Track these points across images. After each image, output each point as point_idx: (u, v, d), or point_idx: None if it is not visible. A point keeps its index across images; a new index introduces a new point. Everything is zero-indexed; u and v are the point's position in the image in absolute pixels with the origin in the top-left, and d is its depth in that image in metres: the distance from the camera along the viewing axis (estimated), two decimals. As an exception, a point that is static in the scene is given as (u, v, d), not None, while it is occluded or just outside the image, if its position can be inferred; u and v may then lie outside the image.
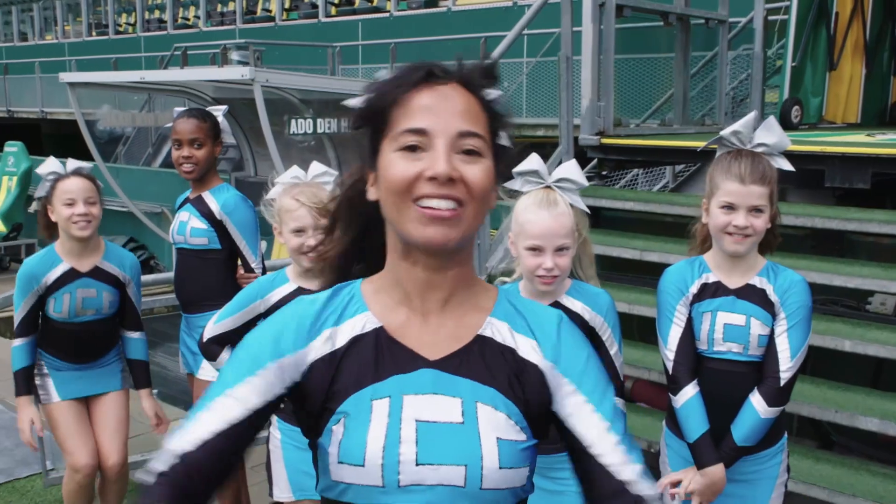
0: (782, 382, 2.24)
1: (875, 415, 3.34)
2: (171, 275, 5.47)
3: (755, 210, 2.22)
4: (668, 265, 4.25)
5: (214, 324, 2.73)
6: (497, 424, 1.17)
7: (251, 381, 1.19)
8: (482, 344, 1.23)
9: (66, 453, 3.36)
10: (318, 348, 1.21)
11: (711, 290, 2.35)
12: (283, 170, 3.10)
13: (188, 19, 18.31)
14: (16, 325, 3.25)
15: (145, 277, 4.63)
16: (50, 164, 3.22)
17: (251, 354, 1.21)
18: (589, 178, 5.56)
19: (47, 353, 3.32)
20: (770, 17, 6.51)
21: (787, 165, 2.30)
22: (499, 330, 1.24)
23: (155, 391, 6.50)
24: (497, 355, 1.22)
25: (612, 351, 2.28)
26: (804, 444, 4.01)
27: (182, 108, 3.48)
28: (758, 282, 2.31)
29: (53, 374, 3.31)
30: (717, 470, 2.27)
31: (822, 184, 4.31)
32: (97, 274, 3.22)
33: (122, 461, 3.36)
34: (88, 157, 8.91)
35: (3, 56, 22.46)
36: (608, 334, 2.28)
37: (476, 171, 1.15)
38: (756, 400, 2.26)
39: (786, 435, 2.43)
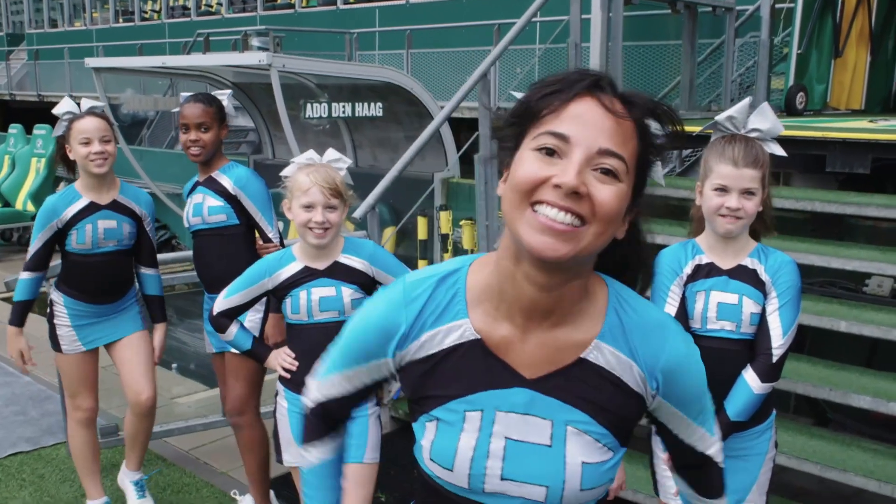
0: (774, 359, 2.26)
1: (868, 393, 3.34)
2: (191, 253, 5.53)
3: (747, 192, 2.23)
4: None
5: (224, 298, 2.79)
6: (584, 448, 1.16)
7: (357, 368, 1.31)
8: (583, 368, 1.17)
9: (71, 396, 3.50)
10: (414, 351, 1.23)
11: (705, 271, 2.36)
12: (298, 153, 3.13)
13: (211, 6, 18.30)
14: (28, 258, 3.33)
15: (166, 255, 4.69)
16: (65, 105, 3.32)
17: (354, 345, 1.30)
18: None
19: (69, 296, 3.38)
20: (777, 6, 6.44)
21: (779, 150, 2.31)
22: (603, 354, 1.18)
23: (174, 365, 6.63)
24: (597, 379, 1.17)
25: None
26: (800, 421, 4.01)
27: (188, 94, 3.52)
28: (749, 263, 2.33)
29: (76, 323, 3.39)
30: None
31: (824, 169, 4.29)
32: (116, 207, 3.35)
33: (152, 395, 3.48)
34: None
35: (34, 42, 22.59)
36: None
37: (607, 193, 1.06)
38: (749, 376, 2.28)
39: (774, 412, 2.45)
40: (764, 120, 2.28)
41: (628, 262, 1.23)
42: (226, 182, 3.35)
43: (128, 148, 7.24)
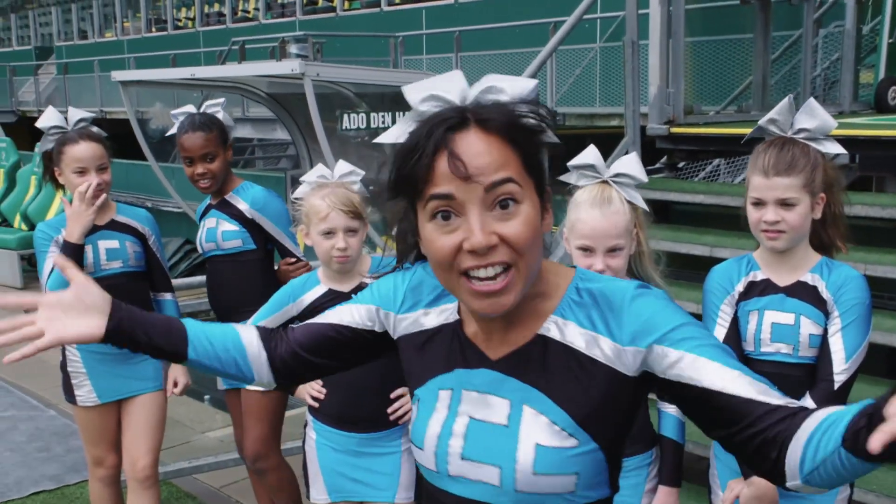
0: (836, 386, 2.19)
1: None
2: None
3: (784, 204, 2.19)
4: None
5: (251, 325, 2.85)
6: (539, 430, 1.23)
7: (366, 306, 1.46)
8: (543, 345, 1.26)
9: (90, 451, 3.47)
10: (409, 324, 1.41)
11: (759, 289, 2.33)
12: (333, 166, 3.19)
13: (248, 12, 18.77)
14: (45, 287, 3.19)
15: (199, 278, 4.80)
16: (50, 118, 3.22)
17: (375, 292, 1.46)
18: (660, 171, 5.53)
19: None
20: (863, -9, 6.34)
21: (836, 149, 2.25)
22: (562, 328, 1.26)
23: (207, 397, 6.74)
24: (558, 356, 1.25)
25: None
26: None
27: (178, 112, 3.49)
28: (809, 278, 2.28)
29: (90, 369, 3.32)
30: (764, 480, 2.23)
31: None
32: (115, 226, 3.31)
33: (149, 464, 3.38)
34: (144, 158, 9.23)
35: (63, 55, 23.42)
36: None
37: (516, 227, 1.16)
38: (808, 405, 2.23)
39: None
40: (811, 118, 2.23)
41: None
42: (241, 205, 3.41)
43: (157, 165, 7.43)
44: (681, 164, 5.83)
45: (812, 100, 2.27)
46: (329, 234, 2.66)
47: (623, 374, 1.22)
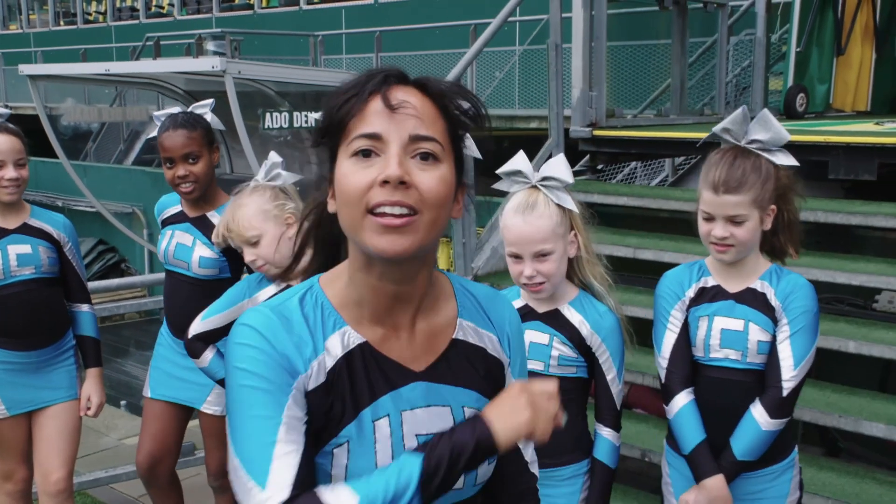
0: (785, 392, 2.21)
1: (881, 420, 3.34)
2: (142, 278, 5.47)
3: (732, 220, 2.20)
4: (663, 263, 4.26)
5: (201, 321, 2.80)
6: None
7: (292, 399, 1.18)
8: (458, 348, 1.33)
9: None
10: (314, 374, 1.22)
11: (710, 295, 2.33)
12: (257, 166, 3.09)
13: (162, 7, 18.29)
14: None
15: (113, 281, 4.62)
16: None
17: (271, 380, 1.18)
18: (582, 173, 5.57)
19: None
20: (773, 0, 6.51)
21: (789, 160, 2.26)
22: (467, 330, 1.35)
23: (123, 402, 6.54)
24: (470, 357, 1.34)
25: (609, 377, 2.27)
26: (809, 451, 4.01)
27: (161, 113, 3.23)
28: (759, 286, 2.29)
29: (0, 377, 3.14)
30: (716, 482, 2.22)
31: (827, 176, 4.32)
32: (27, 230, 3.12)
33: (64, 477, 3.20)
34: (53, 155, 8.88)
35: (-35, 48, 22.42)
36: (606, 357, 2.26)
37: (429, 178, 1.18)
38: (757, 411, 2.23)
39: (796, 449, 2.38)
40: (765, 129, 2.24)
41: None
42: None
43: (69, 163, 7.14)
44: (599, 167, 5.88)
45: (766, 111, 2.27)
46: (250, 245, 2.69)
47: (504, 367, 1.39)
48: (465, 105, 1.25)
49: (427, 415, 1.27)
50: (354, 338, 1.25)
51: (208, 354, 2.79)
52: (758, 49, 6.28)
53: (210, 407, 3.26)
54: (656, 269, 4.60)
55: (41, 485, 3.23)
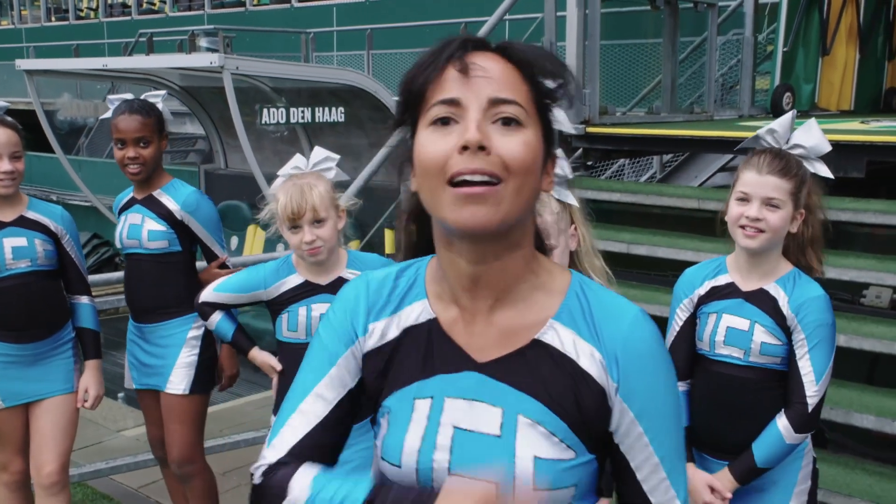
0: (810, 409, 2.22)
1: (870, 412, 3.38)
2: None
3: (770, 203, 2.19)
4: (656, 258, 4.28)
5: (214, 290, 2.84)
6: (537, 441, 1.13)
7: (330, 374, 1.23)
8: (539, 350, 1.16)
9: None
10: (375, 338, 1.23)
11: (723, 292, 2.34)
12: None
13: (154, 4, 18.18)
14: None
15: (110, 275, 4.59)
16: None
17: (325, 347, 1.25)
18: (574, 169, 5.58)
19: None
20: (761, 1, 6.55)
21: (825, 171, 2.26)
22: (561, 336, 1.17)
23: (121, 395, 6.51)
24: (555, 365, 1.16)
25: None
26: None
27: (116, 97, 3.30)
28: (772, 289, 2.28)
29: None
30: (690, 473, 2.23)
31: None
32: (24, 223, 3.09)
33: (57, 470, 3.16)
34: (49, 149, 8.82)
35: (-44, 43, 22.21)
36: None
37: (512, 143, 1.08)
38: (783, 424, 2.23)
39: (808, 440, 2.36)
40: (809, 136, 2.25)
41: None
42: (171, 204, 3.21)
43: (65, 158, 7.10)
44: (589, 163, 5.90)
45: (812, 120, 2.28)
46: (295, 228, 2.60)
47: (606, 395, 1.16)
48: (552, 70, 1.13)
49: (471, 409, 1.15)
50: (427, 313, 1.21)
51: (216, 317, 2.87)
52: (745, 48, 6.31)
53: (172, 387, 3.27)
54: (650, 265, 4.64)
55: (35, 477, 3.20)
